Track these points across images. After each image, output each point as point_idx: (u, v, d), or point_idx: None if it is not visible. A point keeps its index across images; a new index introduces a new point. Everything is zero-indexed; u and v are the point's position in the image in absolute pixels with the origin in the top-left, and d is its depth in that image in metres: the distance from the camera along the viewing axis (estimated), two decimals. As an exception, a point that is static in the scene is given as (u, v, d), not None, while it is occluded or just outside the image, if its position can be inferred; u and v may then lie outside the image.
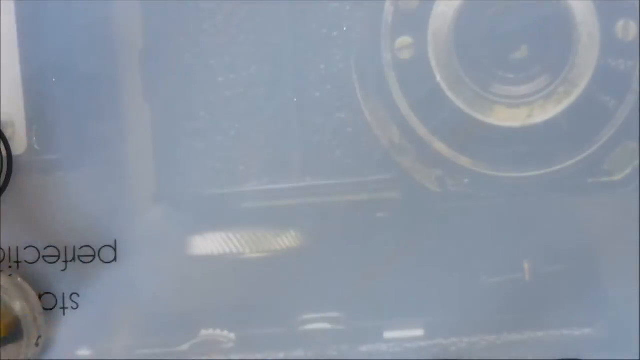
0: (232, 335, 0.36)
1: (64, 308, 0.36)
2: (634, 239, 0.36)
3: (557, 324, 0.36)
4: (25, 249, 0.35)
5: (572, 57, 0.35)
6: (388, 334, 0.36)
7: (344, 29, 0.35)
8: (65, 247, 0.35)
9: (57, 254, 0.35)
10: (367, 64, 0.35)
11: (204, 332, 0.36)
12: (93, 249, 0.35)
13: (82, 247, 0.35)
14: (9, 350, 0.33)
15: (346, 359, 0.36)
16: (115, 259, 0.36)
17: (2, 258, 0.35)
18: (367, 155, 0.36)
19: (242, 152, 0.36)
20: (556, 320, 0.36)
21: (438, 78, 0.35)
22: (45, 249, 0.35)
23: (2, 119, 0.35)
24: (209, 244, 0.36)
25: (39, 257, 0.35)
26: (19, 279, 0.35)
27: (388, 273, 0.36)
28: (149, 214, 0.36)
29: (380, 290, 0.36)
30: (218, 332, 0.36)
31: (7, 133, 0.35)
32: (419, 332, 0.36)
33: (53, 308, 0.35)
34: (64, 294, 0.36)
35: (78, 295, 0.36)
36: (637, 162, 0.36)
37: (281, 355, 0.36)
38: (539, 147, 0.36)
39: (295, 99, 0.35)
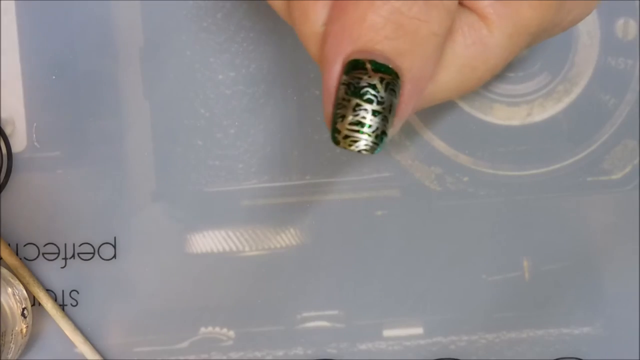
0: (232, 333, 0.36)
1: (63, 305, 0.36)
2: (634, 238, 0.36)
3: (557, 323, 0.36)
4: (25, 245, 0.35)
5: (571, 56, 0.35)
6: (387, 332, 0.36)
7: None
8: (65, 244, 0.35)
9: (56, 251, 0.35)
10: (367, 62, 0.35)
11: (203, 329, 0.36)
12: (92, 246, 0.36)
13: (82, 244, 0.35)
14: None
15: (345, 357, 0.36)
16: (114, 256, 0.36)
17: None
18: (367, 153, 0.36)
19: (241, 149, 0.36)
20: (555, 318, 0.36)
21: (438, 76, 0.35)
22: (44, 246, 0.35)
23: (2, 116, 0.35)
24: (208, 241, 0.36)
25: (38, 254, 0.35)
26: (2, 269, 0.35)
27: (387, 271, 0.36)
28: (149, 212, 0.36)
29: (380, 288, 0.36)
30: (217, 329, 0.36)
31: (7, 130, 0.35)
32: (419, 331, 0.36)
33: (52, 305, 0.36)
34: (63, 291, 0.36)
35: (77, 292, 0.36)
36: (637, 160, 0.36)
37: (280, 353, 0.36)
38: (538, 146, 0.36)
39: (294, 97, 0.35)
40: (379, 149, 0.24)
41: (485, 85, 0.35)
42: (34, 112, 0.35)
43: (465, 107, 0.36)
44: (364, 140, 0.24)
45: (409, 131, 0.36)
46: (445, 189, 0.36)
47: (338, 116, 0.24)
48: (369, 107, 0.24)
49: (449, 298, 0.36)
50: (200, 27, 0.35)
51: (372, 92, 0.24)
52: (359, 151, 0.24)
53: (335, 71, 0.24)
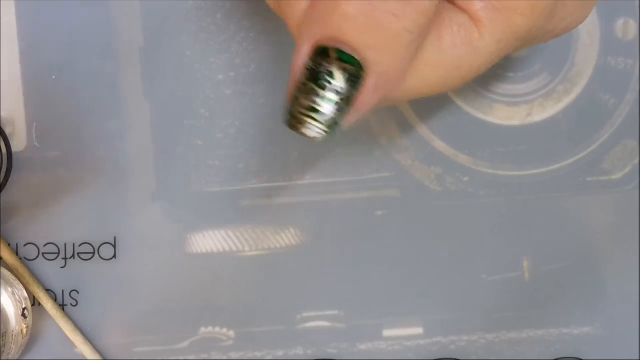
0: (232, 333, 0.36)
1: (63, 305, 0.36)
2: (634, 238, 0.36)
3: (557, 323, 0.36)
4: (24, 245, 0.35)
5: (571, 56, 0.35)
6: (387, 332, 0.36)
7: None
8: (65, 244, 0.35)
9: (56, 251, 0.35)
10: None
11: (203, 329, 0.36)
12: (92, 246, 0.35)
13: (82, 244, 0.35)
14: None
15: (345, 357, 0.36)
16: (114, 256, 0.36)
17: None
18: (367, 153, 0.36)
19: (241, 149, 0.36)
20: (555, 318, 0.36)
21: (438, 76, 0.35)
22: (44, 246, 0.35)
23: (2, 116, 0.35)
24: (208, 241, 0.36)
25: (38, 254, 0.35)
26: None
27: (387, 271, 0.36)
28: (149, 212, 0.36)
29: (380, 288, 0.36)
30: (217, 329, 0.36)
31: (8, 130, 0.35)
32: (418, 331, 0.36)
33: (52, 305, 0.36)
34: (63, 291, 0.36)
35: (77, 292, 0.36)
36: (637, 160, 0.36)
37: (280, 353, 0.36)
38: (538, 146, 0.36)
39: (295, 97, 0.35)
40: (329, 137, 0.24)
41: (485, 85, 0.35)
42: (34, 112, 0.35)
43: (465, 107, 0.36)
44: (315, 127, 0.24)
45: (409, 131, 0.36)
46: (445, 189, 0.36)
47: (294, 99, 0.24)
48: (324, 94, 0.24)
49: (449, 298, 0.36)
50: (200, 27, 0.35)
51: (329, 79, 0.24)
52: (309, 137, 0.24)
53: (302, 54, 0.24)
